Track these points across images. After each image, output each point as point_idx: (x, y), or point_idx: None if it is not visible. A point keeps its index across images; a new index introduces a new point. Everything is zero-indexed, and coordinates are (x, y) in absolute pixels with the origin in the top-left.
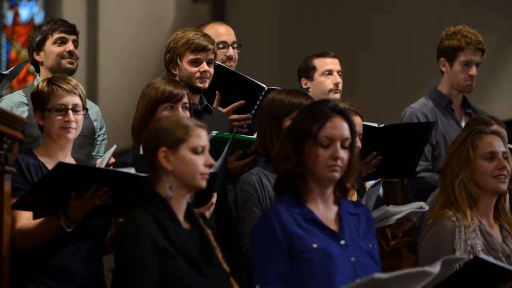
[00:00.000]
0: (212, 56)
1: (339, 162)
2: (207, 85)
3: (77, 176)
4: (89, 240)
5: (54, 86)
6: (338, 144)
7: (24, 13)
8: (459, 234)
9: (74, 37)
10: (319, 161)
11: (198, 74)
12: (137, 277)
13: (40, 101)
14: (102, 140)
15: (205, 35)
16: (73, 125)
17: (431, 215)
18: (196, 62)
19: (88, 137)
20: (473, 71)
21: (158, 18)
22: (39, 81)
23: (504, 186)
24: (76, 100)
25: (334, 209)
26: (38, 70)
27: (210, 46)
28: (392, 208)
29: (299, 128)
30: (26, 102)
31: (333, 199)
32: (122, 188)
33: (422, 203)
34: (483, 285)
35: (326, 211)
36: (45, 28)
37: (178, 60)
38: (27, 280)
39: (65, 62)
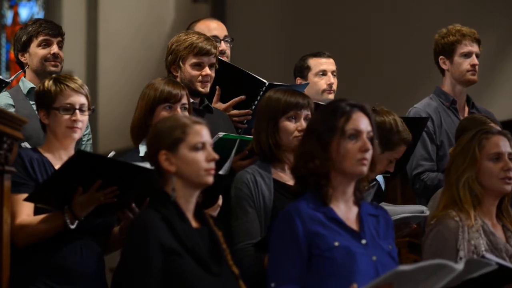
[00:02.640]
0: (214, 60)
1: (367, 155)
2: (208, 89)
3: (94, 167)
4: (91, 239)
5: (62, 85)
6: (365, 136)
7: (24, 13)
8: (462, 234)
9: (59, 38)
10: (349, 155)
11: (200, 77)
12: (141, 276)
13: (46, 99)
14: (88, 140)
15: (208, 39)
16: (79, 124)
17: (434, 215)
18: (198, 66)
19: None
20: (475, 60)
21: (158, 18)
22: (24, 82)
23: (509, 188)
24: (83, 99)
25: (354, 209)
26: (24, 71)
27: (213, 50)
28: (385, 206)
29: (324, 126)
30: (13, 103)
31: (353, 200)
32: (132, 182)
33: (423, 207)
34: (488, 285)
35: (347, 211)
36: (30, 29)
37: (180, 63)
38: (28, 281)
39: (49, 65)
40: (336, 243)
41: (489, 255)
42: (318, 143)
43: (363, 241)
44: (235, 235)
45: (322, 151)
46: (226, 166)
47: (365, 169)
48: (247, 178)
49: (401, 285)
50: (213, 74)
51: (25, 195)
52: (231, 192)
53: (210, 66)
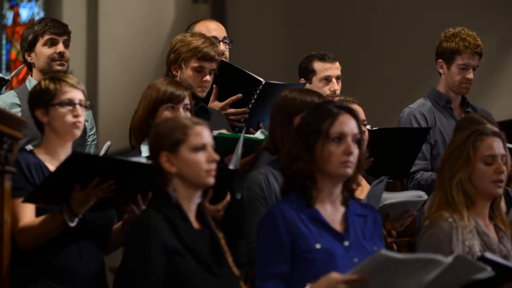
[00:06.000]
0: (215, 66)
1: (351, 158)
2: (205, 94)
3: (90, 166)
4: (91, 240)
5: (60, 82)
6: (350, 139)
7: (24, 13)
8: (456, 235)
9: (65, 37)
10: (332, 158)
11: (199, 83)
12: (143, 276)
13: (45, 97)
14: (93, 141)
15: (213, 44)
16: (81, 119)
17: (428, 216)
18: (199, 70)
19: (79, 137)
20: (470, 74)
21: (158, 19)
22: (31, 81)
23: (500, 191)
24: (81, 95)
25: (341, 210)
26: (31, 70)
27: (217, 57)
28: (384, 194)
29: (309, 128)
30: (19, 103)
31: (341, 200)
32: (130, 178)
33: (421, 192)
34: (486, 285)
35: (333, 212)
36: (36, 28)
37: (182, 64)
38: (29, 282)
39: (55, 64)
40: (318, 245)
41: (489, 255)
42: (303, 144)
43: (346, 243)
44: (248, 236)
45: (307, 153)
46: (234, 160)
47: (349, 171)
48: (259, 178)
49: (391, 275)
50: (211, 80)
51: None
52: (243, 192)
53: (210, 71)
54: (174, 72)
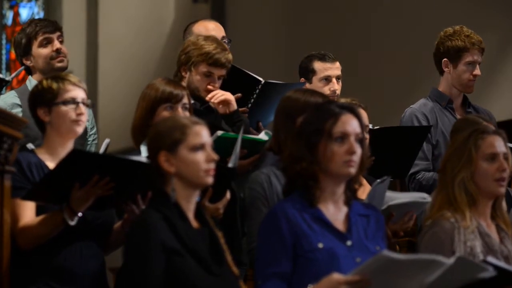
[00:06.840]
0: (224, 73)
1: (355, 157)
2: None
3: (89, 163)
4: (91, 239)
5: (63, 81)
6: (352, 138)
7: (24, 13)
8: (458, 235)
9: (58, 33)
10: (335, 157)
11: (206, 87)
12: (143, 276)
13: (47, 96)
14: (93, 140)
15: (225, 50)
16: (83, 118)
17: (429, 216)
18: (208, 75)
19: (80, 137)
20: (478, 70)
21: (158, 19)
22: (31, 81)
23: (503, 190)
24: (83, 94)
25: (344, 209)
26: (29, 73)
27: (227, 64)
28: (389, 193)
29: (311, 128)
30: (20, 103)
31: (344, 200)
32: (130, 177)
33: (424, 194)
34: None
35: (336, 212)
36: (27, 31)
37: (192, 67)
38: (29, 282)
39: (55, 62)
40: (320, 245)
41: (491, 259)
42: (305, 145)
43: (348, 243)
44: (250, 235)
45: (309, 154)
46: (233, 159)
47: (352, 170)
48: (261, 178)
49: (392, 277)
50: (219, 86)
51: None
52: (244, 192)
53: (219, 77)
54: (183, 73)
